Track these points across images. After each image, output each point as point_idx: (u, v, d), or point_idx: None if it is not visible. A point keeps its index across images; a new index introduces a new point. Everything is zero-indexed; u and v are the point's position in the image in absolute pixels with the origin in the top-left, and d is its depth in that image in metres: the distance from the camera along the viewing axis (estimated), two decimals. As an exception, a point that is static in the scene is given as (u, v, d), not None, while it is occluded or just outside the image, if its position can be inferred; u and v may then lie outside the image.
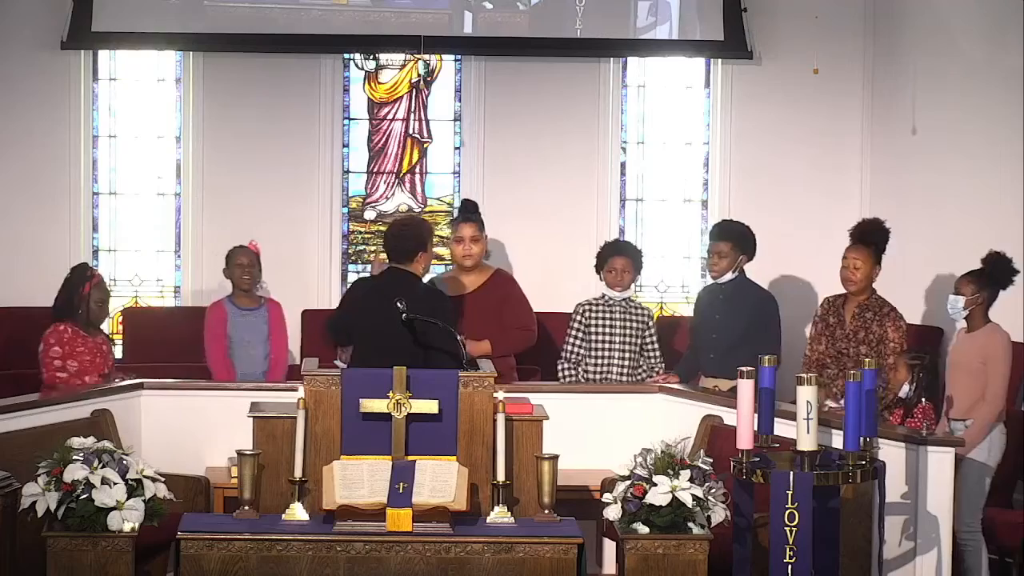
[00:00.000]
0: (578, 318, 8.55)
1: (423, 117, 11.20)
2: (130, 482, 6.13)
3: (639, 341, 8.50)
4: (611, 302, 8.55)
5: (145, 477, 6.18)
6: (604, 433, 7.74)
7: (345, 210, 11.15)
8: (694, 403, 7.79)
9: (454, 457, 6.33)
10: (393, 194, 11.23)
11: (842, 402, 6.93)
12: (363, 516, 6.11)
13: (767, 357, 6.33)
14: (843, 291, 8.18)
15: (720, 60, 11.04)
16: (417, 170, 11.21)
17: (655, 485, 6.17)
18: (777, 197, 10.79)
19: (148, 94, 11.07)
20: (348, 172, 11.17)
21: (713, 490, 6.24)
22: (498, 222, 8.73)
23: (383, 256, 11.00)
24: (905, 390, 7.58)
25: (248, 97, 10.93)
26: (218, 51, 10.90)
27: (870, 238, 8.14)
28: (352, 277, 11.12)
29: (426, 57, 11.00)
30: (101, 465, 6.11)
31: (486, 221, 8.56)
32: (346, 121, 11.14)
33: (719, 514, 6.23)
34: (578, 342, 8.53)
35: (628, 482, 6.25)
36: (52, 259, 10.67)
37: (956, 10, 10.04)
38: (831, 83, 10.85)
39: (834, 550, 6.20)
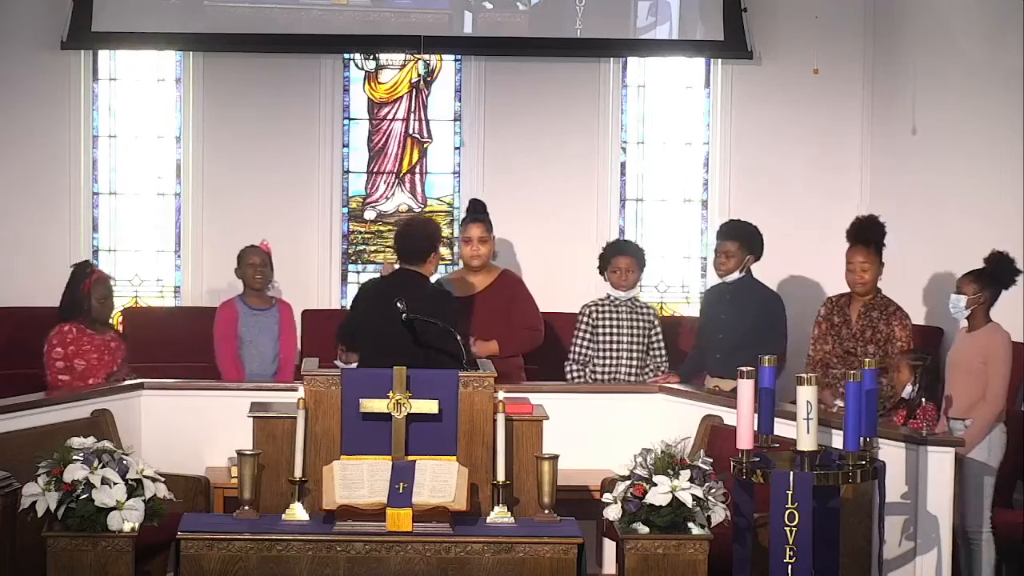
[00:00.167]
0: (585, 319, 8.55)
1: (423, 117, 11.20)
2: (130, 482, 6.13)
3: (646, 340, 8.50)
4: (617, 302, 8.56)
5: (145, 477, 6.18)
6: (604, 433, 7.74)
7: (345, 210, 11.15)
8: (694, 403, 7.79)
9: (454, 457, 6.33)
10: (393, 194, 11.23)
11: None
12: (363, 516, 6.11)
13: (767, 357, 6.34)
14: (845, 291, 8.17)
15: (720, 60, 11.04)
16: (417, 170, 11.21)
17: (655, 485, 6.17)
18: (777, 197, 10.79)
19: (148, 94, 11.07)
20: (348, 172, 11.17)
21: (713, 490, 6.24)
22: (498, 222, 8.73)
23: (383, 256, 11.06)
24: (908, 391, 7.57)
25: (248, 97, 10.93)
26: (218, 51, 10.91)
27: (870, 236, 8.14)
28: (352, 277, 11.13)
29: (426, 57, 11.00)
30: (101, 465, 6.11)
31: (486, 221, 8.57)
32: (346, 121, 11.14)
33: (719, 514, 6.23)
34: (585, 343, 8.54)
35: (628, 482, 6.25)
36: (52, 259, 10.68)
37: (956, 10, 10.04)
38: (831, 83, 10.85)
39: (834, 550, 6.20)
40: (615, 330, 8.49)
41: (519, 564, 6.07)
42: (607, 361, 8.48)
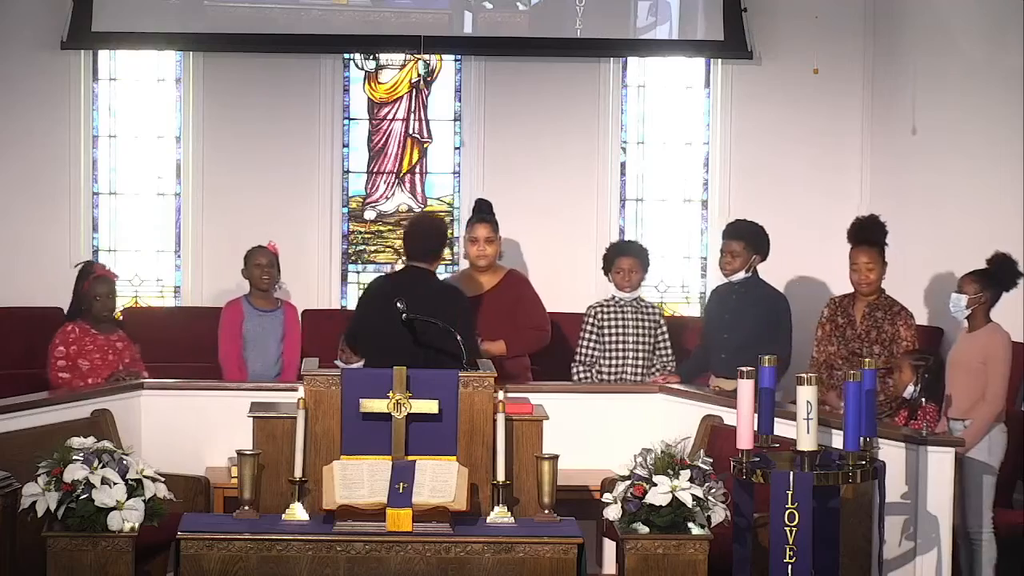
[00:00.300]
0: (591, 320, 8.56)
1: (423, 117, 11.20)
2: (130, 482, 6.13)
3: (651, 340, 8.51)
4: (622, 303, 8.56)
5: (145, 477, 6.18)
6: (604, 433, 7.75)
7: (345, 210, 11.15)
8: (694, 403, 7.79)
9: (454, 457, 6.33)
10: (393, 194, 11.23)
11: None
12: (363, 516, 6.11)
13: (767, 357, 6.33)
14: (848, 291, 8.17)
15: (720, 60, 11.04)
16: (417, 170, 11.21)
17: (655, 485, 6.17)
18: (777, 197, 10.78)
19: (148, 94, 11.06)
20: (348, 172, 11.17)
21: (713, 490, 6.24)
22: (498, 222, 8.73)
23: (382, 256, 11.05)
24: (910, 391, 7.58)
25: (248, 97, 10.93)
26: (218, 51, 10.90)
27: (871, 236, 8.14)
28: (352, 277, 11.13)
29: (426, 57, 11.00)
30: (101, 465, 6.11)
31: (487, 221, 8.57)
32: (346, 121, 11.14)
33: (719, 514, 6.23)
34: (592, 344, 8.55)
35: (628, 482, 6.25)
36: (52, 259, 10.69)
37: (956, 10, 10.04)
38: (831, 83, 10.84)
39: (834, 550, 6.20)
40: (620, 331, 8.50)
41: (519, 564, 6.07)
42: (613, 362, 8.48)
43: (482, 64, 11.05)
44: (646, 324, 8.52)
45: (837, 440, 6.55)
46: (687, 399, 7.87)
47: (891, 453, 6.68)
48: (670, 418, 7.76)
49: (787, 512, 5.89)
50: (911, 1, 10.53)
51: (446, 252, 10.35)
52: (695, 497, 6.16)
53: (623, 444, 6.83)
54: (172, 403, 7.85)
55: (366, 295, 7.69)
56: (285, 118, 10.95)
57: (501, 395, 6.45)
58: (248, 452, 6.30)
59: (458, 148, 11.17)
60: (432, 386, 6.37)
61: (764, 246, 8.37)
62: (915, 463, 6.71)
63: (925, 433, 6.81)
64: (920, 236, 9.81)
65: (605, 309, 8.57)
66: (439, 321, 6.98)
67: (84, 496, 6.03)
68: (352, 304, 10.98)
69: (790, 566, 5.89)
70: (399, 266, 10.75)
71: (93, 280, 8.12)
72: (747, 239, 8.32)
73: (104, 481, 6.06)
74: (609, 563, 7.60)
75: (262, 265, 8.66)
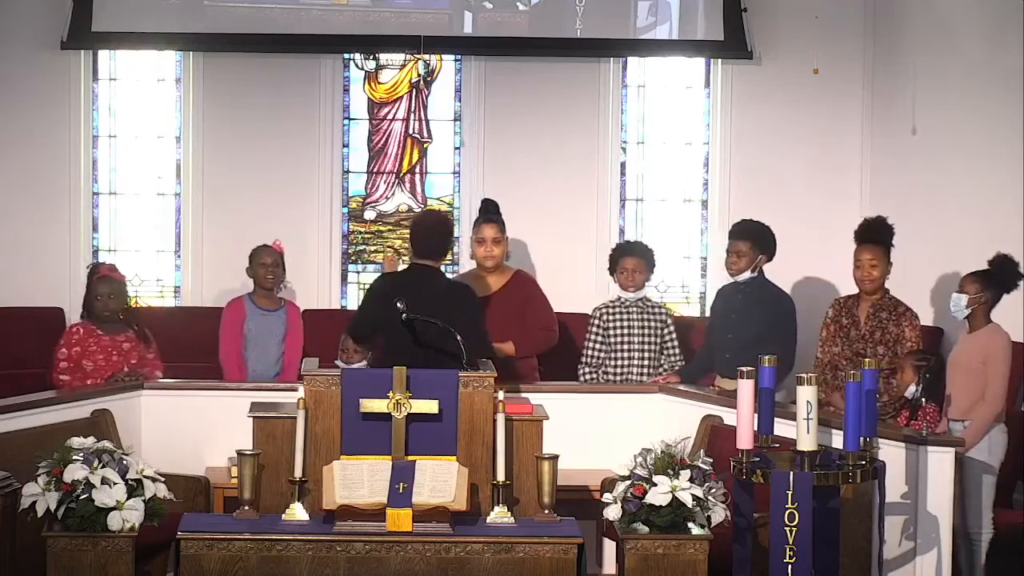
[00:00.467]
0: (596, 321, 8.57)
1: (423, 117, 11.20)
2: (130, 482, 6.13)
3: (658, 340, 8.50)
4: (627, 303, 8.56)
5: (145, 477, 6.18)
6: (604, 433, 7.74)
7: (345, 210, 11.15)
8: (694, 403, 7.79)
9: (454, 457, 6.33)
10: (393, 194, 11.23)
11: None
12: (363, 516, 6.11)
13: (767, 357, 6.33)
14: (853, 292, 8.16)
15: (720, 60, 11.04)
16: (417, 170, 11.21)
17: (655, 485, 6.17)
18: (777, 197, 10.77)
19: (148, 94, 11.07)
20: (348, 172, 11.17)
21: (713, 490, 6.24)
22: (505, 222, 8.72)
23: (390, 254, 11.05)
24: (911, 391, 7.58)
25: (248, 97, 10.93)
26: (218, 51, 10.91)
27: (879, 236, 8.13)
28: (352, 277, 11.13)
29: (426, 57, 11.00)
30: (101, 465, 6.11)
31: (486, 221, 8.56)
32: (346, 121, 11.14)
33: (719, 514, 6.23)
34: (597, 345, 8.55)
35: (628, 482, 6.25)
36: (52, 259, 10.70)
37: (956, 10, 10.04)
38: (831, 83, 10.84)
39: (834, 550, 6.20)
40: (626, 331, 8.50)
41: (519, 564, 6.07)
42: (619, 363, 8.48)
43: (482, 64, 11.05)
44: (652, 324, 8.52)
45: (837, 440, 6.55)
46: (687, 399, 7.87)
47: (891, 453, 6.68)
48: (670, 418, 7.76)
49: (787, 512, 5.89)
50: (911, 1, 10.53)
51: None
52: (695, 497, 6.16)
53: (623, 444, 6.83)
54: (172, 403, 7.85)
55: (370, 294, 7.65)
56: (285, 118, 10.95)
57: (501, 395, 6.45)
58: (248, 452, 6.30)
59: (458, 148, 11.17)
60: (432, 386, 6.37)
61: (770, 246, 8.36)
62: (915, 463, 6.71)
63: (925, 433, 6.81)
64: (920, 236, 9.81)
65: (610, 310, 8.58)
66: (439, 321, 6.97)
67: (84, 496, 6.03)
68: (352, 304, 10.98)
69: (790, 566, 5.89)
70: (401, 266, 10.76)
71: (96, 280, 8.12)
72: (753, 239, 8.31)
73: (104, 481, 6.06)
74: (609, 563, 7.60)
75: (267, 264, 8.65)
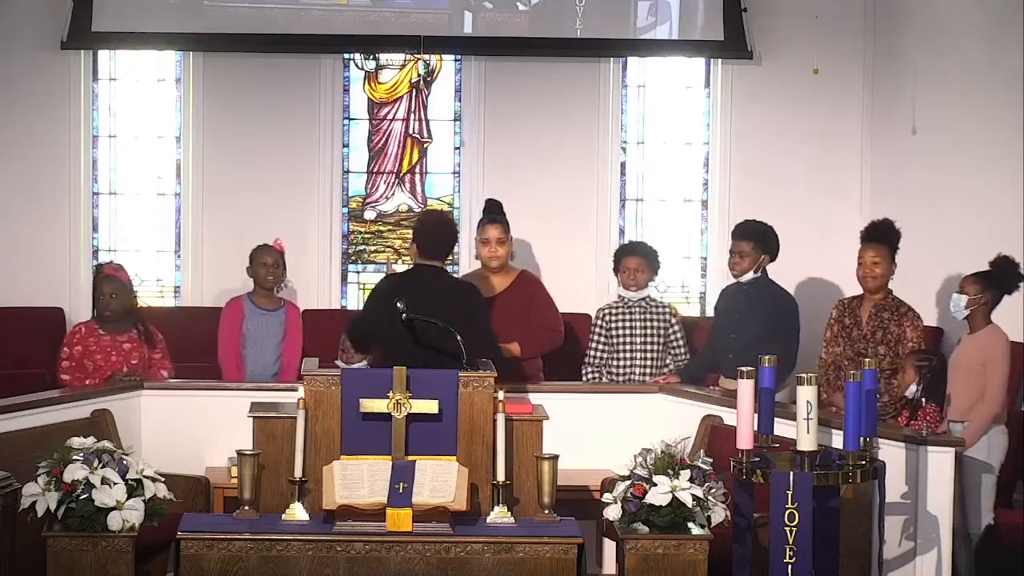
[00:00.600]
0: (599, 322, 8.58)
1: (423, 117, 11.20)
2: (130, 482, 6.12)
3: (662, 340, 8.50)
4: (629, 303, 8.56)
5: (145, 477, 6.18)
6: (604, 433, 7.74)
7: (345, 210, 11.15)
8: (694, 403, 7.79)
9: (454, 457, 6.33)
10: (393, 194, 11.23)
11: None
12: (363, 516, 6.11)
13: (767, 357, 6.33)
14: (857, 293, 8.15)
15: (720, 60, 11.04)
16: (417, 170, 11.21)
17: (655, 485, 6.16)
18: (777, 197, 10.77)
19: (148, 94, 11.07)
20: (348, 172, 11.17)
21: (713, 490, 6.23)
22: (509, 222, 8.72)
23: (382, 256, 11.05)
24: (912, 391, 7.57)
25: (248, 97, 10.93)
26: (218, 51, 10.91)
27: (883, 237, 8.13)
28: (352, 277, 11.13)
29: (426, 57, 11.00)
30: (101, 465, 6.10)
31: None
32: (346, 121, 11.15)
33: (719, 514, 6.23)
34: (601, 346, 8.56)
35: (628, 482, 6.24)
36: (52, 259, 10.70)
37: (956, 10, 10.04)
38: (831, 83, 10.85)
39: (834, 550, 6.20)
40: (628, 331, 8.50)
41: (519, 564, 6.07)
42: (622, 363, 8.48)
43: (482, 64, 11.05)
44: (654, 324, 8.51)
45: (837, 440, 6.55)
46: (687, 399, 7.87)
47: (891, 453, 6.68)
48: (670, 418, 7.76)
49: (787, 512, 5.89)
50: (911, 1, 10.53)
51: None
52: (695, 497, 6.16)
53: (623, 444, 6.82)
54: (172, 403, 7.84)
55: (375, 295, 7.59)
56: (285, 118, 10.95)
57: (501, 395, 6.45)
58: (248, 452, 6.30)
59: (458, 148, 11.17)
60: (432, 386, 6.37)
61: (773, 246, 8.35)
62: (915, 463, 6.70)
63: (925, 433, 6.81)
64: (920, 236, 9.79)
65: (613, 310, 8.59)
66: (439, 321, 6.95)
67: (84, 496, 6.03)
68: (352, 304, 10.98)
69: (790, 566, 5.89)
70: (397, 266, 10.76)
71: (100, 279, 8.13)
72: (756, 239, 8.30)
73: (104, 481, 6.06)
74: (609, 563, 7.60)
75: (267, 264, 8.64)
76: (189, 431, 7.73)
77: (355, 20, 10.89)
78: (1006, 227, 9.13)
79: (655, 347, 8.49)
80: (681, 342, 8.53)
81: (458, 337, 6.73)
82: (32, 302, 10.47)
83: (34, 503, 6.07)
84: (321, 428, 6.39)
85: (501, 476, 6.31)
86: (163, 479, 6.27)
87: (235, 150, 10.93)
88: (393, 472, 6.21)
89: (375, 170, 11.21)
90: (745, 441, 6.13)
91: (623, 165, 11.18)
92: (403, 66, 11.17)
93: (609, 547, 7.55)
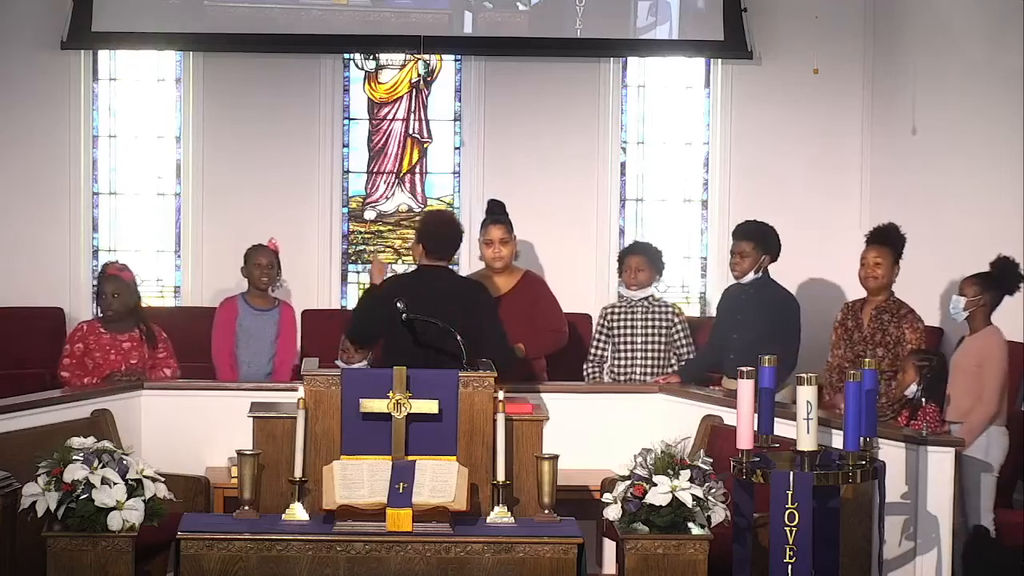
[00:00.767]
0: (602, 321, 8.59)
1: (423, 117, 11.20)
2: (130, 482, 6.12)
3: (664, 339, 8.49)
4: (631, 302, 8.56)
5: (145, 477, 6.18)
6: (604, 433, 7.74)
7: (345, 210, 11.15)
8: (694, 403, 7.79)
9: (454, 457, 6.33)
10: (393, 194, 11.23)
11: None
12: (363, 516, 6.11)
13: (767, 357, 6.33)
14: (862, 296, 8.15)
15: (720, 60, 11.05)
16: (417, 170, 11.22)
17: (655, 485, 6.16)
18: (777, 197, 10.77)
19: (148, 94, 11.07)
20: (348, 172, 11.18)
21: (713, 490, 6.23)
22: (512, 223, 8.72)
23: (382, 256, 11.05)
24: (912, 390, 7.57)
25: (248, 97, 10.94)
26: (218, 51, 10.91)
27: (886, 239, 8.12)
28: (352, 277, 11.13)
29: (426, 57, 11.00)
30: (101, 465, 6.10)
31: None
32: (346, 121, 11.15)
33: (719, 514, 6.23)
34: (603, 345, 8.56)
35: (628, 482, 6.24)
36: (52, 259, 10.70)
37: (956, 10, 10.04)
38: (831, 83, 10.85)
39: (834, 550, 6.19)
40: (630, 330, 8.50)
41: (519, 564, 6.07)
42: (623, 362, 8.48)
43: (482, 64, 11.05)
44: (657, 323, 8.51)
45: (837, 440, 6.55)
46: (687, 399, 7.86)
47: (891, 453, 6.68)
48: (670, 418, 7.75)
49: (787, 512, 5.89)
50: (911, 1, 10.54)
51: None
52: (695, 497, 6.16)
53: (623, 444, 6.82)
54: (172, 403, 7.84)
55: (373, 297, 7.55)
56: (285, 118, 10.96)
57: (501, 395, 6.45)
58: (248, 452, 6.30)
59: (458, 148, 11.17)
60: (432, 386, 6.37)
61: (774, 247, 8.34)
62: (915, 463, 6.70)
63: (925, 433, 6.81)
64: (920, 236, 9.76)
65: (615, 310, 8.59)
66: (439, 321, 6.94)
67: (84, 496, 6.03)
68: (352, 304, 10.98)
69: (790, 566, 5.89)
70: (397, 266, 10.76)
71: (103, 278, 8.15)
72: (756, 239, 8.29)
73: (104, 481, 6.06)
74: (609, 563, 7.60)
75: (262, 265, 8.63)
76: (189, 431, 7.72)
77: (355, 20, 10.89)
78: (1006, 227, 9.13)
79: (658, 347, 8.49)
80: (685, 341, 8.53)
81: (458, 337, 6.72)
82: (32, 302, 10.47)
83: (34, 503, 6.07)
84: (321, 428, 6.39)
85: (501, 476, 6.31)
86: (163, 479, 6.27)
87: (235, 150, 10.94)
88: (393, 472, 6.21)
89: (375, 170, 11.21)
90: (745, 441, 6.13)
91: (623, 165, 11.18)
92: (403, 66, 11.17)
93: (609, 547, 7.55)
